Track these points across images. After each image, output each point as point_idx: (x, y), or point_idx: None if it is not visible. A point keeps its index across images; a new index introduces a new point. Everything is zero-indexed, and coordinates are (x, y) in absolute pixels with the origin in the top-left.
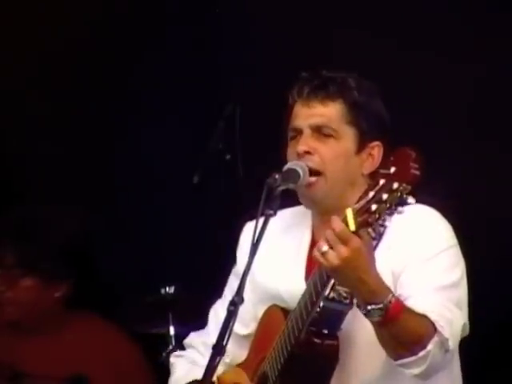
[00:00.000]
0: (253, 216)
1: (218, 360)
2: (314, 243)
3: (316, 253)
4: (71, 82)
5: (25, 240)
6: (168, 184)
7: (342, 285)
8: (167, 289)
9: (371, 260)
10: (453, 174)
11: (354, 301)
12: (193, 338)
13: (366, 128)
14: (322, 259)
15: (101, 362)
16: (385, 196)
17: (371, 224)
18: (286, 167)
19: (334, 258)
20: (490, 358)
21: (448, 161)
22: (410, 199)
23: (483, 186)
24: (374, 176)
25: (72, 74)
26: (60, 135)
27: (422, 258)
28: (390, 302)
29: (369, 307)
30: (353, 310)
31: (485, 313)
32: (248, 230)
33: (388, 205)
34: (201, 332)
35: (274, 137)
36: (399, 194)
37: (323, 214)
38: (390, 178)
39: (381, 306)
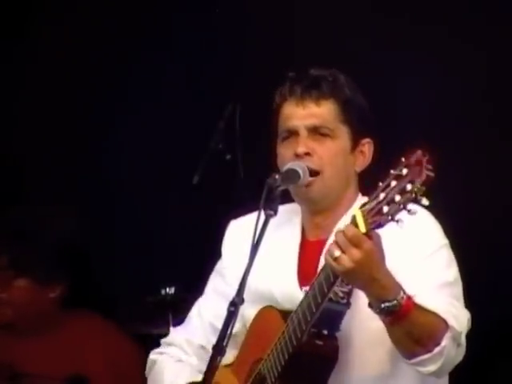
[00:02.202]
0: (237, 214)
1: (218, 360)
2: (304, 241)
3: (327, 257)
4: (71, 82)
5: (19, 241)
6: (168, 184)
7: (354, 286)
8: (167, 289)
9: (382, 258)
10: (451, 173)
11: (351, 300)
12: (174, 337)
13: (357, 125)
14: (334, 264)
15: (100, 362)
16: (397, 197)
17: (383, 225)
18: (286, 167)
19: (347, 262)
20: (488, 358)
21: (446, 159)
22: (425, 200)
23: (481, 185)
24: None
25: (72, 73)
26: (60, 135)
27: (418, 257)
28: (402, 298)
29: (382, 305)
30: (350, 310)
31: (482, 312)
32: (233, 229)
33: (401, 206)
34: (181, 329)
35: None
36: (413, 195)
37: (317, 213)
38: (402, 180)
39: (394, 302)
